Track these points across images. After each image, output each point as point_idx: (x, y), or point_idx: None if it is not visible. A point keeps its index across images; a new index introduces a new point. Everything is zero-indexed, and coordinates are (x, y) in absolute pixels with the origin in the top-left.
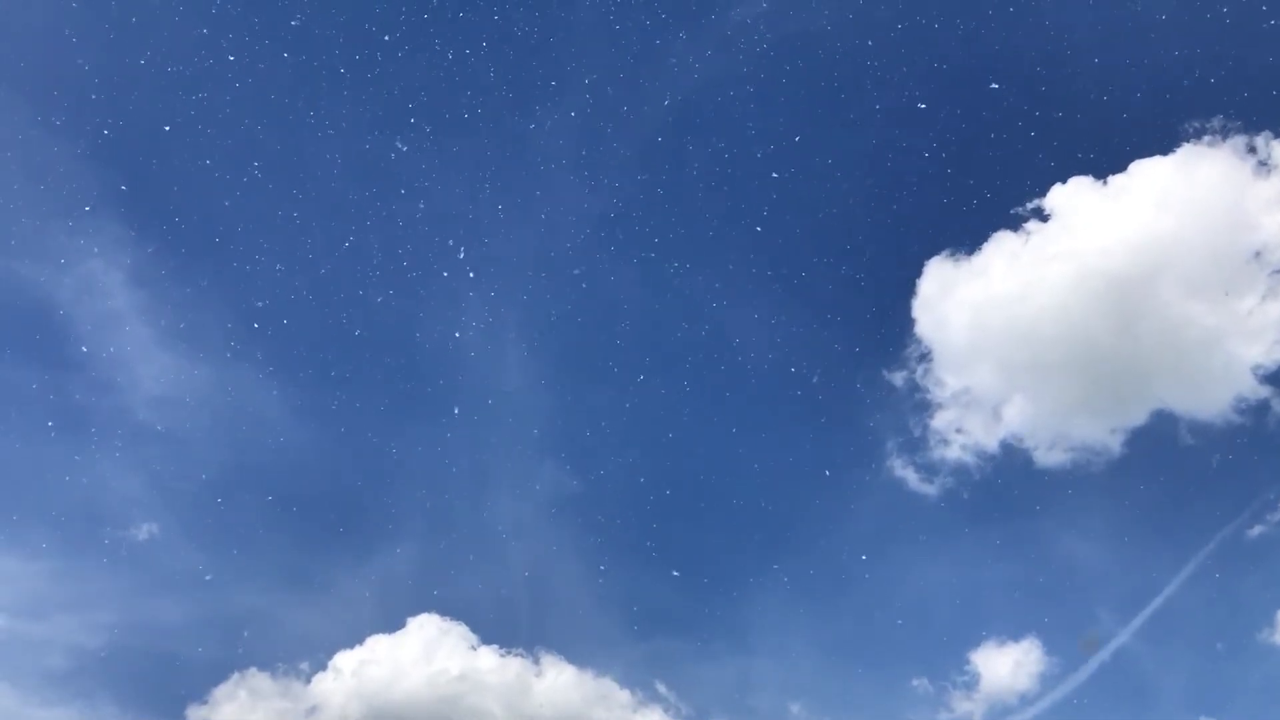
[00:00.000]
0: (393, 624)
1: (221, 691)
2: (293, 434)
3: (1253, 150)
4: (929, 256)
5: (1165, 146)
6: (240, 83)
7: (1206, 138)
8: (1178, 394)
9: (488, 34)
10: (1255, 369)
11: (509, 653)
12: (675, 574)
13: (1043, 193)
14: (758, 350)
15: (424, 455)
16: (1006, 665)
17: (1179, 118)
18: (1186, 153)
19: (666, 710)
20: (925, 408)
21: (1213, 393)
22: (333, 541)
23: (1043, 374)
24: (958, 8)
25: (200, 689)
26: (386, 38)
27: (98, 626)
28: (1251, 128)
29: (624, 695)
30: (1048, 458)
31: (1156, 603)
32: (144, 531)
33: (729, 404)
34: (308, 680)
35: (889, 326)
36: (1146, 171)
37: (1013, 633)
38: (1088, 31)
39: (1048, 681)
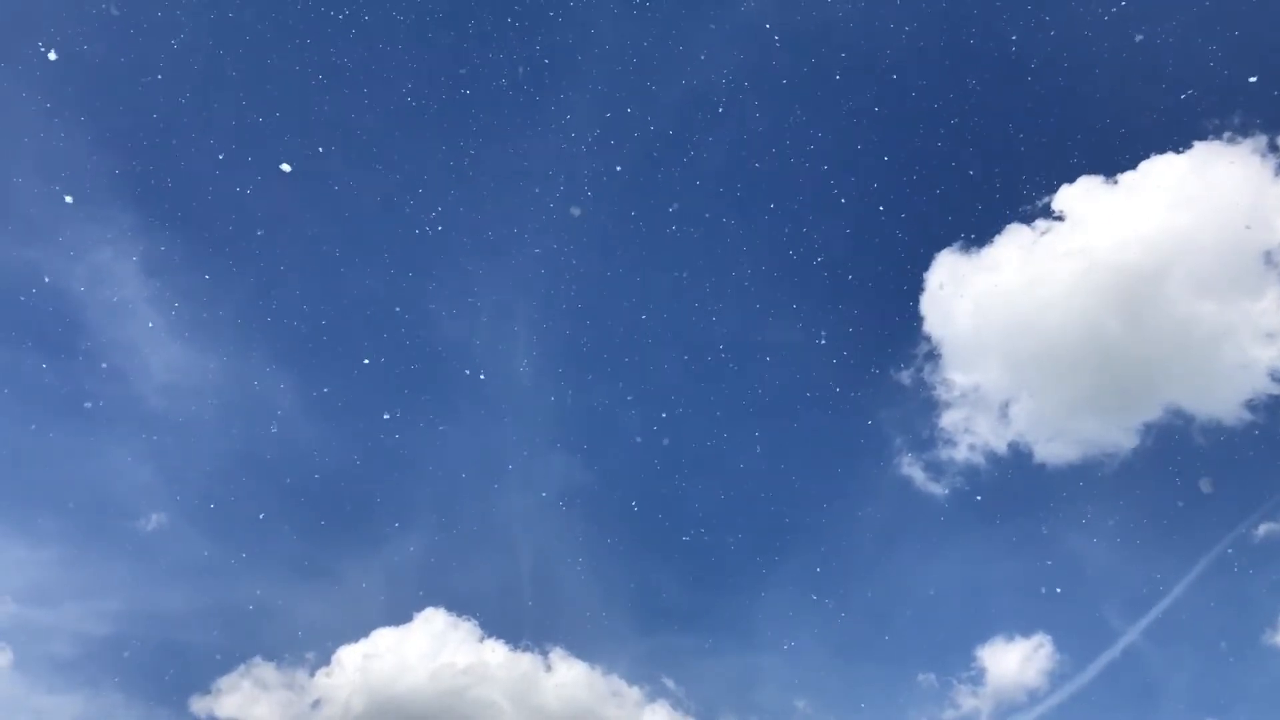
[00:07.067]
0: (399, 617)
1: (226, 681)
2: (302, 425)
3: (1274, 149)
4: (937, 252)
5: (1180, 143)
6: (254, 75)
7: (1226, 134)
8: (1189, 393)
9: (495, 29)
10: (1271, 371)
11: (517, 647)
12: (682, 570)
13: (1053, 189)
14: (765, 346)
15: (432, 448)
16: (1014, 662)
17: (1196, 114)
18: (1202, 150)
19: (674, 706)
20: (933, 406)
21: (1224, 392)
22: (340, 534)
23: (1052, 373)
24: (970, 1)
25: (205, 679)
26: (396, 29)
27: (105, 615)
28: (1272, 126)
29: (633, 691)
30: (1057, 456)
31: (1166, 602)
32: (152, 521)
33: (737, 400)
34: (312, 672)
35: (897, 324)
36: (1160, 168)
37: (1022, 629)
38: (1105, 23)
39: (1056, 679)
